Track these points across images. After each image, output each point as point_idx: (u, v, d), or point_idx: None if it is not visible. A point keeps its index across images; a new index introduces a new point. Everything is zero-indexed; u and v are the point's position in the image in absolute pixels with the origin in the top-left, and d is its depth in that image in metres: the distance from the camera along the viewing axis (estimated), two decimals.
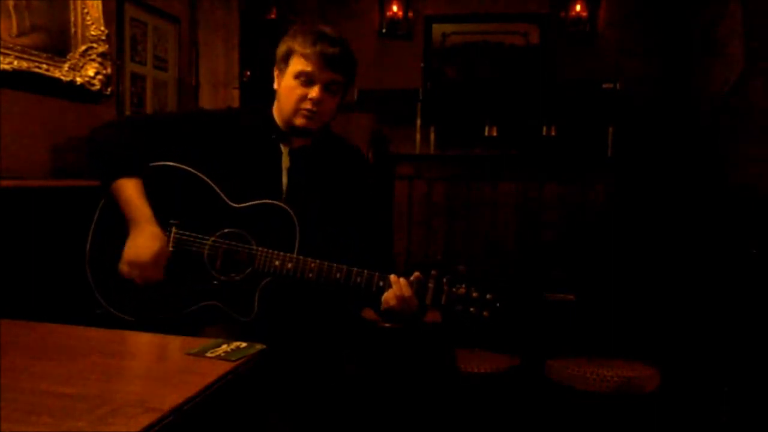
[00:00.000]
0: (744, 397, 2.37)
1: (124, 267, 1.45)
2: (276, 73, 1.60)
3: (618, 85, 3.61)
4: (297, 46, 1.53)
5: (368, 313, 1.98)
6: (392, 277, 1.49)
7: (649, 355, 2.54)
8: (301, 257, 1.48)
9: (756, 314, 2.36)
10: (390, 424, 1.55)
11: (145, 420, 0.71)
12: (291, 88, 1.54)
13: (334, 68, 1.52)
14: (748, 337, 2.39)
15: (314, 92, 1.52)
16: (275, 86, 1.61)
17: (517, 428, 2.51)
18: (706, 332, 2.66)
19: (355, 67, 1.61)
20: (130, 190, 1.46)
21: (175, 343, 1.05)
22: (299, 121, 1.55)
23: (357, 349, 1.58)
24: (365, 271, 1.49)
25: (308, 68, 1.51)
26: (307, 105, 1.53)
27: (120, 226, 1.49)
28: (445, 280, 1.49)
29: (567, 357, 2.51)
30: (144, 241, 1.44)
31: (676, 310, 2.88)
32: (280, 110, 1.60)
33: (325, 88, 1.53)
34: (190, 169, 1.53)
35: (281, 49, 1.57)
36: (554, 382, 2.46)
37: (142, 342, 1.07)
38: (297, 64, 1.53)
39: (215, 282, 1.49)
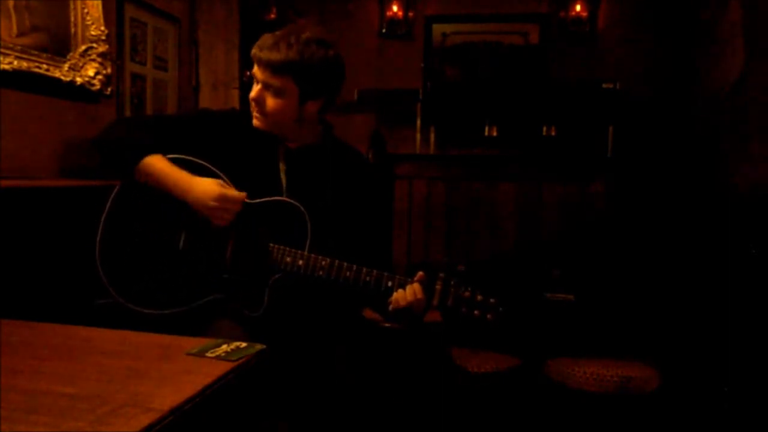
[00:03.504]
0: (744, 397, 2.37)
1: (216, 213, 1.47)
2: None
3: (618, 85, 3.61)
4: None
5: (368, 313, 1.98)
6: (403, 279, 1.51)
7: (649, 355, 2.54)
8: (312, 254, 1.49)
9: (756, 314, 2.36)
10: (390, 424, 1.55)
11: (145, 420, 0.71)
12: None
13: (266, 69, 1.51)
14: (748, 337, 2.39)
15: (253, 91, 1.55)
16: None
17: (517, 428, 2.51)
18: (706, 332, 2.66)
19: (306, 71, 1.51)
20: (162, 162, 1.50)
21: (175, 343, 1.04)
22: (252, 120, 1.58)
23: (358, 348, 1.58)
24: (374, 270, 1.50)
25: (253, 68, 1.55)
26: (251, 103, 1.56)
27: (134, 217, 1.51)
28: (452, 282, 1.51)
29: (567, 357, 2.51)
30: (207, 183, 1.48)
31: (676, 310, 2.88)
32: None
33: (265, 88, 1.54)
34: (203, 162, 1.55)
35: None
36: (554, 381, 2.46)
37: (142, 342, 1.06)
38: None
39: (226, 276, 1.50)
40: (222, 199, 1.46)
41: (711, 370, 2.56)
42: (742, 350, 2.41)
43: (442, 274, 1.52)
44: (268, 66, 1.50)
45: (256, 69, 1.54)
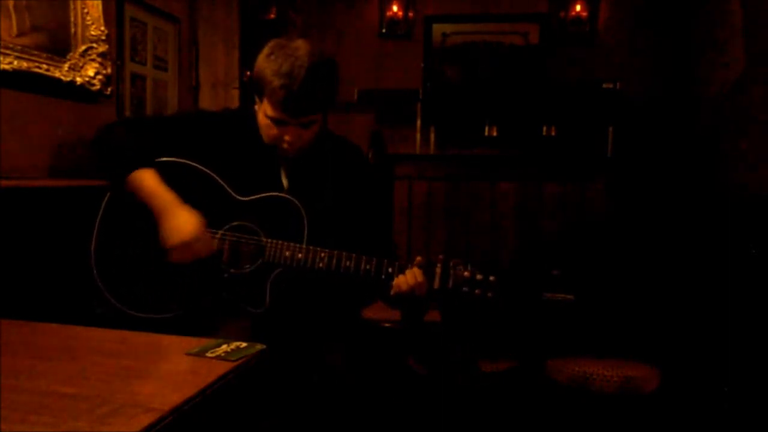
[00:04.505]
0: (744, 397, 2.37)
1: (173, 254, 1.44)
2: (255, 93, 1.57)
3: (618, 85, 3.61)
4: (266, 87, 1.47)
5: (368, 314, 1.98)
6: (403, 265, 1.51)
7: (649, 355, 2.54)
8: (311, 247, 1.49)
9: (756, 314, 2.36)
10: (389, 423, 1.56)
11: (145, 420, 0.71)
12: (266, 125, 1.53)
13: (304, 113, 1.48)
14: (748, 337, 2.39)
15: (288, 135, 1.51)
16: (255, 107, 1.59)
17: (517, 428, 2.51)
18: (706, 332, 2.66)
19: (332, 95, 1.53)
20: (150, 179, 1.47)
21: (175, 343, 1.04)
22: (281, 152, 1.56)
23: (358, 347, 1.59)
24: (374, 258, 1.51)
25: (277, 115, 1.48)
26: (284, 145, 1.53)
27: (127, 222, 1.50)
28: (451, 263, 1.53)
29: (567, 357, 2.51)
30: (183, 220, 1.44)
31: (676, 310, 2.88)
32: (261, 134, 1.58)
33: (301, 127, 1.51)
34: (195, 164, 1.54)
35: (255, 71, 1.52)
36: (554, 381, 2.46)
37: (142, 342, 1.06)
38: (268, 108, 1.49)
39: (226, 275, 1.50)
40: (186, 246, 1.43)
41: (711, 370, 2.56)
42: (742, 350, 2.41)
43: (441, 257, 1.54)
44: (302, 110, 1.47)
45: (282, 115, 1.47)
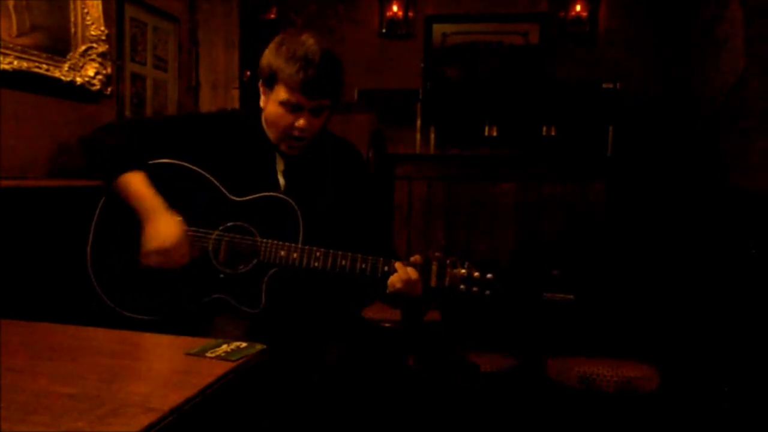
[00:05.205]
0: (744, 397, 2.37)
1: (149, 258, 1.45)
2: (261, 89, 1.57)
3: (618, 85, 3.61)
4: (281, 73, 1.48)
5: (368, 313, 1.98)
6: (398, 264, 1.50)
7: (649, 355, 2.54)
8: (306, 246, 1.49)
9: (756, 314, 2.36)
10: (389, 423, 1.56)
11: (145, 420, 0.71)
12: (278, 114, 1.52)
13: (320, 95, 1.49)
14: (748, 337, 2.39)
15: (301, 121, 1.51)
16: (261, 104, 1.58)
17: (517, 428, 2.51)
18: (706, 332, 2.66)
19: (342, 83, 1.56)
20: (138, 183, 1.47)
21: (175, 343, 1.04)
22: (286, 147, 1.56)
23: (357, 347, 1.59)
24: (370, 257, 1.50)
25: (294, 99, 1.49)
26: (296, 132, 1.52)
27: (122, 224, 1.50)
28: (448, 261, 1.52)
29: (567, 357, 2.52)
30: (165, 227, 1.44)
31: (676, 310, 2.88)
32: (267, 129, 1.58)
33: (313, 114, 1.51)
34: (190, 165, 1.54)
35: (264, 64, 1.52)
36: (554, 381, 2.47)
37: (142, 342, 1.07)
38: (282, 93, 1.49)
39: (221, 275, 1.50)
40: (161, 253, 1.44)
41: (711, 370, 2.56)
42: (742, 350, 2.41)
43: (438, 254, 1.53)
44: (319, 91, 1.48)
45: (298, 98, 1.48)
